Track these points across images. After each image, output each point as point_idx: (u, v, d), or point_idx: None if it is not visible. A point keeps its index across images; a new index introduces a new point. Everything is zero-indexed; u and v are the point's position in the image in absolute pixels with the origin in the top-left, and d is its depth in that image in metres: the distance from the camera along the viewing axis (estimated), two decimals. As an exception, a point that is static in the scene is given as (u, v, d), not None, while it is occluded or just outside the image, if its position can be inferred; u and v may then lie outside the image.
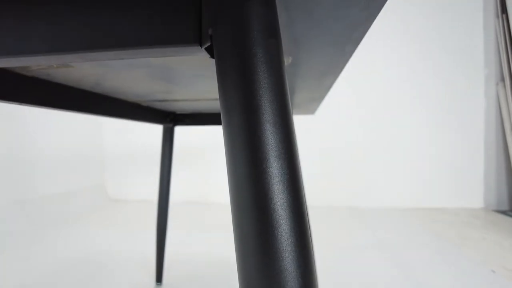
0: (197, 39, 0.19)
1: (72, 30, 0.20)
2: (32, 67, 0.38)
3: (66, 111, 0.50)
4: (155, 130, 2.37)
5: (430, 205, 2.11)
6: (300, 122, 2.18)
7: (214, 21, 0.18)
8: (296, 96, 0.72)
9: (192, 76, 0.45)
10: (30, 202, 1.72)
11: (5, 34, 0.21)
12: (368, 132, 2.19)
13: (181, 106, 0.80)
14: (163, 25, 0.19)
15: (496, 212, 1.95)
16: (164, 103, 0.74)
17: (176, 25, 0.19)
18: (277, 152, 0.16)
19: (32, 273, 1.09)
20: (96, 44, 0.19)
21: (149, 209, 2.06)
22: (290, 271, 0.14)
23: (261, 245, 0.15)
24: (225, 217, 1.86)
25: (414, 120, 2.15)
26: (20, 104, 0.41)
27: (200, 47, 0.19)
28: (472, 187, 2.09)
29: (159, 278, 1.00)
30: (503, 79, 2.01)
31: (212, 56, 0.19)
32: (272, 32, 0.17)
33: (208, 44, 0.18)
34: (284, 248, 0.15)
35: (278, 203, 0.15)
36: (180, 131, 2.19)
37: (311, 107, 0.93)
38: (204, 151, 2.35)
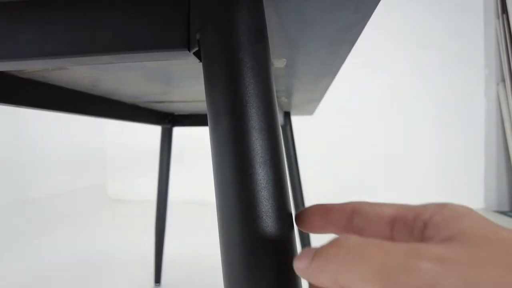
0: (185, 44, 0.19)
1: (61, 35, 0.20)
2: (26, 69, 0.38)
3: (63, 113, 0.50)
4: (156, 130, 2.37)
5: (430, 205, 2.10)
6: (300, 122, 2.18)
7: (201, 26, 0.18)
8: (294, 97, 0.71)
9: (188, 78, 0.45)
10: (30, 202, 1.72)
11: (-5, 38, 0.21)
12: (368, 133, 2.19)
13: (179, 107, 0.79)
14: (151, 30, 0.19)
15: (497, 213, 1.94)
16: (162, 104, 0.74)
17: (165, 30, 0.19)
18: (263, 158, 0.15)
19: (32, 273, 1.09)
20: (83, 49, 0.19)
21: (149, 209, 2.05)
22: (274, 277, 0.14)
23: (245, 253, 0.15)
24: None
25: (414, 121, 2.14)
26: (15, 107, 0.41)
27: (188, 52, 0.19)
28: (473, 188, 2.08)
29: (157, 278, 1.00)
30: (503, 80, 2.01)
31: (200, 61, 0.19)
32: (260, 37, 0.17)
33: (196, 48, 0.18)
34: (268, 256, 0.14)
35: (263, 210, 0.15)
36: (180, 131, 2.18)
37: (309, 108, 0.93)
38: (204, 151, 2.35)
